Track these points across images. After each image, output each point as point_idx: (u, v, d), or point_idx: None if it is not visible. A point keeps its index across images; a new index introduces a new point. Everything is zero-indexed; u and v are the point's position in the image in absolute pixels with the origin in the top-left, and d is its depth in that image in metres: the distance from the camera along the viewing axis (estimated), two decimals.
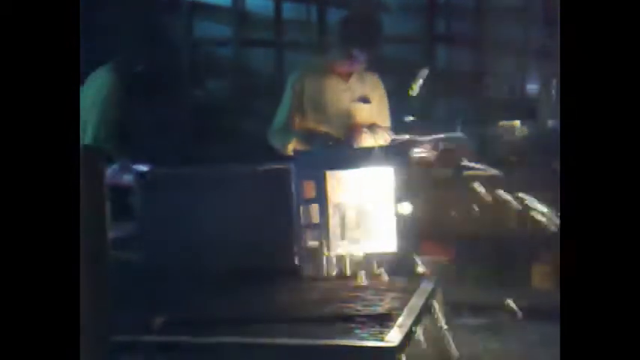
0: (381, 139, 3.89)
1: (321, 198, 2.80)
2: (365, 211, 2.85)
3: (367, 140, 3.83)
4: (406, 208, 2.90)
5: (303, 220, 2.81)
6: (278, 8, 6.35)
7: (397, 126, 3.97)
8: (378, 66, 5.65)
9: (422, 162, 4.89)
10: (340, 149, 3.66)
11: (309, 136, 3.77)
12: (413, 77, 3.95)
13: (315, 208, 2.80)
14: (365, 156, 2.94)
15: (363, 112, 3.92)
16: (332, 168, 2.85)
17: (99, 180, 1.74)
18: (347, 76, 3.92)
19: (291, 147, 3.80)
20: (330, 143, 3.67)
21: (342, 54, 3.80)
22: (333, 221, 2.81)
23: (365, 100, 3.93)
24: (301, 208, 2.80)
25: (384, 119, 3.98)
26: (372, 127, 3.88)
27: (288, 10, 6.36)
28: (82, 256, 1.69)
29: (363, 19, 4.10)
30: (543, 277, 4.90)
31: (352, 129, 3.85)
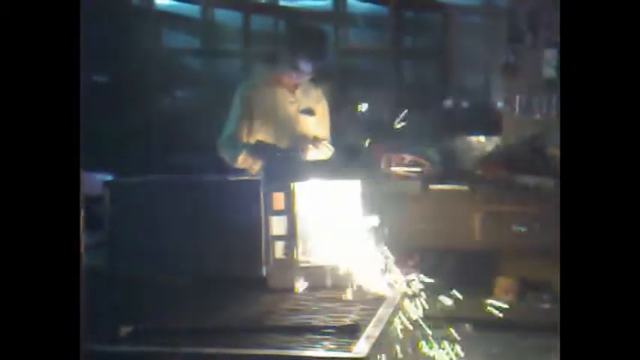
0: (323, 151, 3.96)
1: (290, 210, 2.82)
2: (333, 223, 2.87)
3: (311, 152, 3.89)
4: (373, 220, 2.94)
5: (271, 232, 2.82)
6: (246, 20, 6.38)
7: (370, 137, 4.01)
8: (344, 78, 5.70)
9: (390, 175, 4.95)
10: (301, 161, 3.71)
11: (257, 148, 3.81)
12: (378, 89, 3.97)
13: (283, 219, 2.82)
14: (323, 168, 2.98)
15: (308, 124, 3.98)
16: (300, 180, 2.88)
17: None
18: (293, 88, 3.98)
19: (241, 159, 3.84)
20: (278, 154, 3.72)
21: (289, 65, 3.85)
22: (301, 233, 2.83)
23: (309, 112, 3.99)
24: (270, 219, 2.82)
25: (326, 132, 4.05)
26: (315, 140, 3.95)
27: (256, 23, 6.39)
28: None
29: (309, 31, 4.16)
30: (506, 290, 4.96)
31: (298, 141, 3.90)
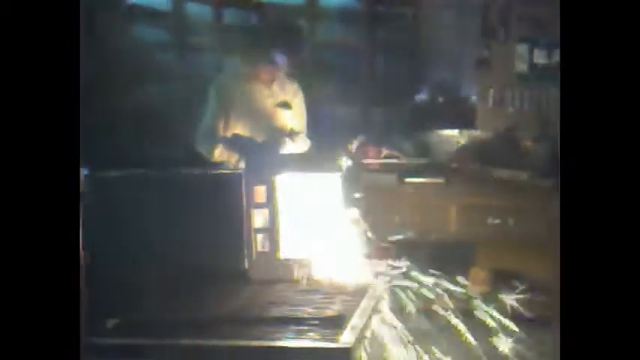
0: (300, 144, 3.99)
1: (271, 203, 2.83)
2: (313, 216, 2.89)
3: (288, 146, 3.91)
4: (353, 213, 2.96)
5: (253, 225, 2.83)
6: (219, 14, 6.36)
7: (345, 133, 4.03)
8: (316, 73, 5.70)
9: (366, 168, 4.98)
10: (278, 154, 3.73)
11: (233, 142, 3.82)
12: (352, 84, 3.97)
13: (265, 212, 2.83)
14: (297, 161, 3.01)
15: (284, 118, 4.00)
16: (282, 173, 2.89)
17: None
18: (269, 83, 3.99)
19: (217, 152, 3.85)
20: (255, 149, 3.74)
21: (264, 59, 3.86)
22: (283, 226, 2.84)
23: (286, 106, 4.02)
24: (251, 212, 2.83)
25: (302, 126, 4.08)
26: (291, 134, 3.97)
27: (230, 16, 6.37)
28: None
29: (283, 24, 4.18)
30: (479, 281, 5.02)
31: (274, 134, 3.92)
